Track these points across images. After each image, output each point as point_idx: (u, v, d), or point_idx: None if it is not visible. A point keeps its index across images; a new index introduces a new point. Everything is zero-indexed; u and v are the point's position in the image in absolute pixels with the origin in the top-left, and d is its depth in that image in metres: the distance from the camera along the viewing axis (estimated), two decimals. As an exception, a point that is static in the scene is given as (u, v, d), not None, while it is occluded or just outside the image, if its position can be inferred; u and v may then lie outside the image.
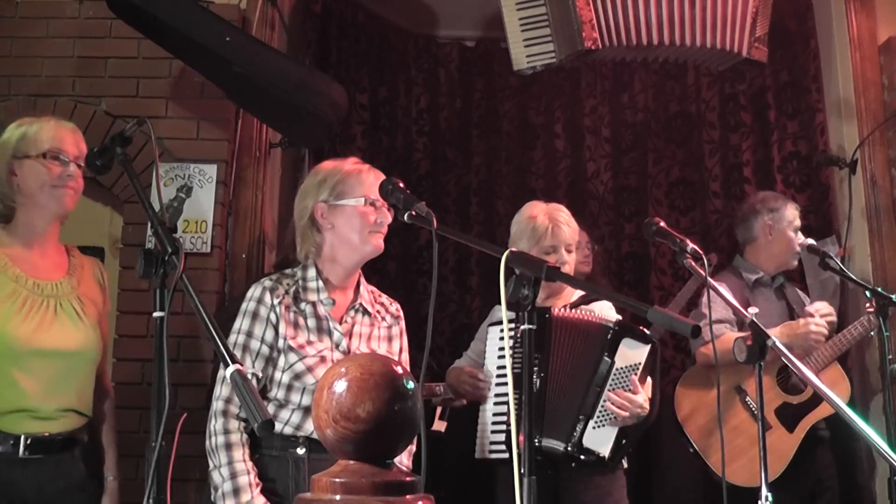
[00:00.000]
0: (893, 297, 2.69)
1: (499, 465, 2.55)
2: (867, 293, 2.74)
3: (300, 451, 1.98)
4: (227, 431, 1.97)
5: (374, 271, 4.29)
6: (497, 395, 2.58)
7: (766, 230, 3.26)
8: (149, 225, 1.63)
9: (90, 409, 2.18)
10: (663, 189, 4.36)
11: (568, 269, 2.58)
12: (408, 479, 1.09)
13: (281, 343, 2.02)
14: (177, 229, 3.21)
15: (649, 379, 2.48)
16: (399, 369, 1.11)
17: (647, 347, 2.46)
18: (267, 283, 2.08)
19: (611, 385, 2.43)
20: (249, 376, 1.49)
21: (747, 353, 2.00)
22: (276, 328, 2.03)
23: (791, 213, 3.25)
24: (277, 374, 2.01)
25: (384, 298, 2.24)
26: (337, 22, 4.29)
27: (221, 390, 2.01)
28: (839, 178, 3.85)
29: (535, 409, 2.40)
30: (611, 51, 3.17)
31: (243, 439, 1.98)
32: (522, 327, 1.58)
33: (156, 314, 1.52)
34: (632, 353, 2.45)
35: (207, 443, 1.99)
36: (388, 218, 2.11)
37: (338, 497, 1.05)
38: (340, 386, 1.07)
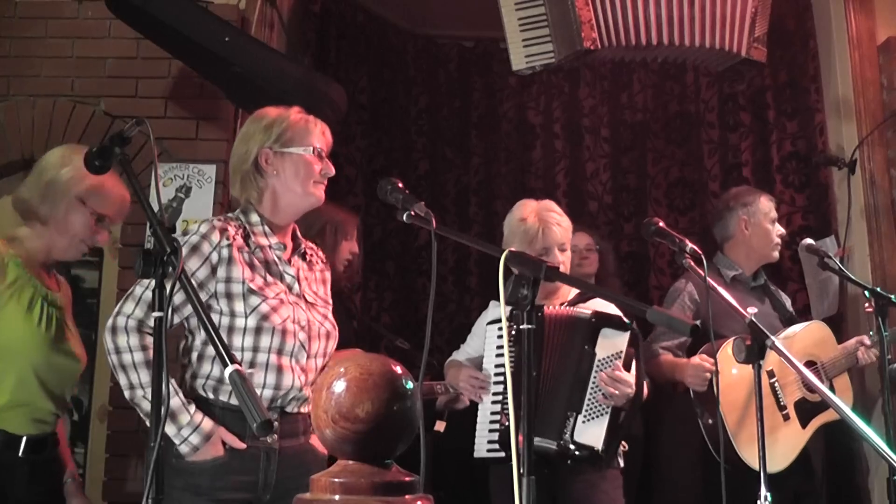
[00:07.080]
0: (893, 297, 2.69)
1: (492, 464, 2.55)
2: (866, 293, 2.74)
3: (270, 439, 1.94)
4: (144, 348, 1.88)
5: (374, 271, 4.30)
6: (495, 394, 2.58)
7: (743, 225, 3.21)
8: (148, 225, 1.62)
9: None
10: (662, 189, 4.36)
11: (563, 268, 2.56)
12: (407, 479, 1.09)
13: (238, 287, 1.95)
14: (176, 229, 3.21)
15: (633, 365, 2.47)
16: (398, 369, 1.11)
17: (627, 334, 2.46)
18: (217, 222, 2.01)
19: (595, 377, 2.43)
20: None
21: (746, 354, 1.99)
22: (213, 268, 1.95)
23: (766, 205, 3.22)
24: (239, 321, 1.94)
25: (311, 243, 2.24)
26: (336, 22, 4.29)
27: (133, 308, 1.90)
28: (838, 178, 3.84)
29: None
30: (610, 51, 3.17)
31: None
32: (522, 327, 1.58)
33: (155, 314, 1.53)
34: (612, 342, 2.45)
35: (115, 359, 1.88)
36: (332, 170, 2.10)
37: (337, 497, 1.05)
38: (339, 386, 1.07)
